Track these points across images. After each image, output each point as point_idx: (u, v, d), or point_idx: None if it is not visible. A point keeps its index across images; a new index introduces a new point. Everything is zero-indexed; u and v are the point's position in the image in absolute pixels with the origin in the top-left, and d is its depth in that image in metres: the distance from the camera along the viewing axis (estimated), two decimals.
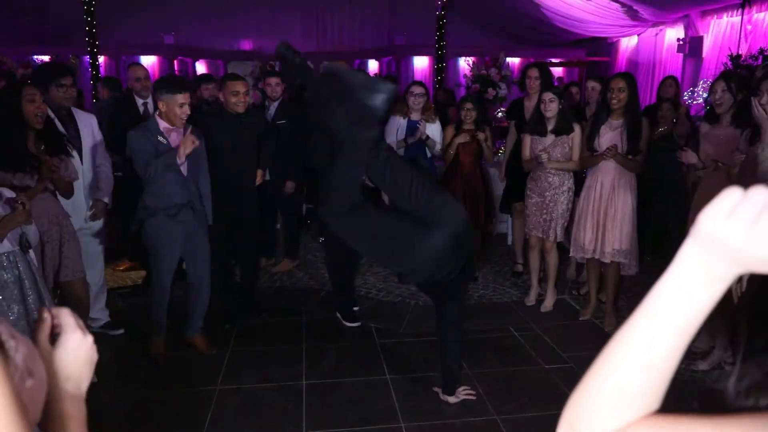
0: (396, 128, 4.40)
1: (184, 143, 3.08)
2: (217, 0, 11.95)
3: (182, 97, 3.14)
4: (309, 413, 2.84)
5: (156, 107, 3.25)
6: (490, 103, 6.74)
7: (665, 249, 4.82)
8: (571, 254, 3.95)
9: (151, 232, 3.27)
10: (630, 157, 3.60)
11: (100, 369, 3.48)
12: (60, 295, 3.12)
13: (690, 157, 3.38)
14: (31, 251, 2.53)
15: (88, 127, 3.47)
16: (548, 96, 3.82)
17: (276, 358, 3.41)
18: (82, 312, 3.08)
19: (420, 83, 4.66)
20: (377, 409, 2.89)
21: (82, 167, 3.35)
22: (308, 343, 3.59)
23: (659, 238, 4.87)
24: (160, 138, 3.18)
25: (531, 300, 4.21)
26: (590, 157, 3.71)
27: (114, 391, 3.07)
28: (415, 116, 4.41)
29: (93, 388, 3.23)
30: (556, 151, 3.85)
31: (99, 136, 3.57)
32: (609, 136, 3.63)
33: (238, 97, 3.61)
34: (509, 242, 5.56)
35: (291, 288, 4.59)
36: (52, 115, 3.13)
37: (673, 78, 5.46)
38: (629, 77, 3.71)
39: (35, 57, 10.15)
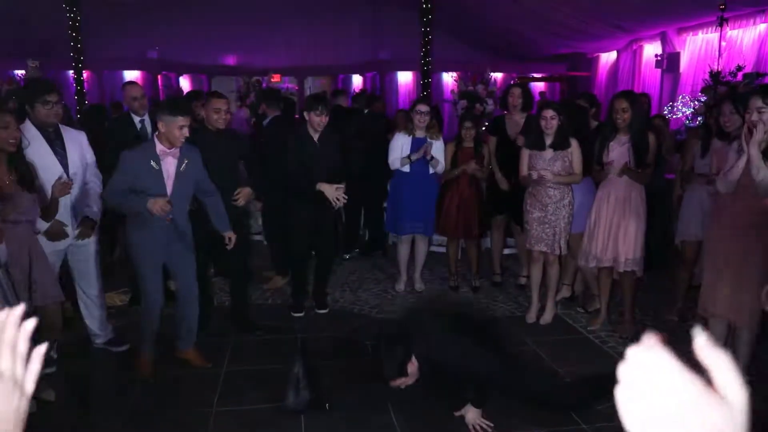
0: (401, 145, 4.49)
1: (155, 204, 3.08)
2: (201, 15, 11.94)
3: (183, 120, 3.15)
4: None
5: (153, 125, 3.24)
6: (460, 122, 6.89)
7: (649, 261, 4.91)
8: (581, 264, 4.01)
9: (132, 237, 3.31)
10: (639, 170, 3.72)
11: (94, 388, 3.40)
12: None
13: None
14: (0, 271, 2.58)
15: (76, 144, 3.41)
16: (549, 113, 3.89)
17: (272, 378, 3.37)
18: (52, 337, 3.02)
19: (425, 101, 4.77)
20: (377, 427, 2.88)
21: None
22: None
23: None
24: (153, 163, 3.17)
25: (532, 317, 4.19)
26: (599, 171, 3.83)
27: (107, 412, 3.04)
28: (419, 134, 4.50)
29: (86, 408, 3.13)
30: (556, 165, 3.92)
31: (89, 153, 3.53)
32: (618, 151, 3.75)
33: (219, 114, 3.74)
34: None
35: (283, 305, 4.56)
36: (26, 142, 3.00)
37: (643, 95, 5.70)
38: (630, 95, 3.87)
39: (16, 72, 10.03)
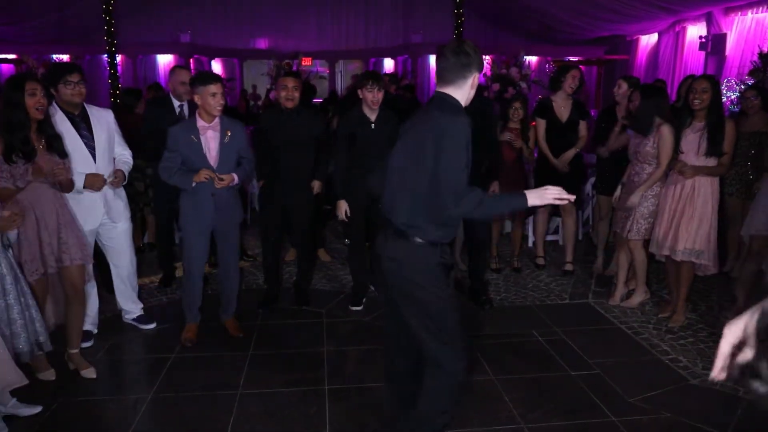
0: None
1: (198, 176, 3.27)
2: None
3: (214, 87, 3.28)
4: (332, 418, 2.80)
5: (191, 109, 3.35)
6: (509, 102, 6.70)
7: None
8: (650, 250, 3.92)
9: (183, 205, 3.47)
10: (707, 161, 3.58)
11: (122, 367, 3.42)
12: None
13: None
14: (9, 249, 2.74)
15: (103, 123, 3.40)
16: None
17: (297, 361, 3.38)
18: (76, 300, 3.12)
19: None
20: None
21: (95, 165, 3.32)
22: (329, 346, 3.56)
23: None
24: (193, 137, 3.33)
25: (616, 299, 4.18)
26: (675, 161, 3.70)
27: (135, 390, 3.08)
28: None
29: (114, 386, 3.18)
30: (643, 148, 3.80)
31: (115, 130, 3.51)
32: (691, 137, 3.63)
33: (287, 92, 3.82)
34: (530, 244, 5.50)
35: (310, 289, 4.55)
36: (54, 113, 3.13)
37: (661, 81, 5.48)
38: (712, 79, 3.69)
39: (54, 56, 10.24)
